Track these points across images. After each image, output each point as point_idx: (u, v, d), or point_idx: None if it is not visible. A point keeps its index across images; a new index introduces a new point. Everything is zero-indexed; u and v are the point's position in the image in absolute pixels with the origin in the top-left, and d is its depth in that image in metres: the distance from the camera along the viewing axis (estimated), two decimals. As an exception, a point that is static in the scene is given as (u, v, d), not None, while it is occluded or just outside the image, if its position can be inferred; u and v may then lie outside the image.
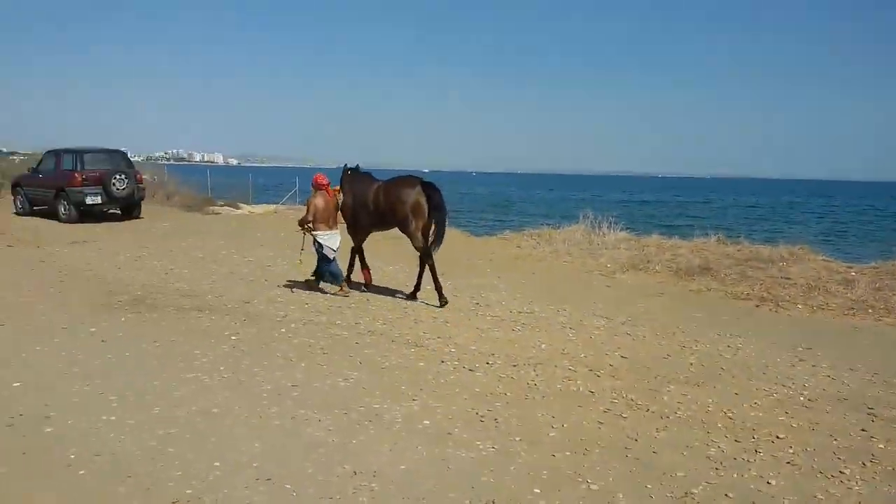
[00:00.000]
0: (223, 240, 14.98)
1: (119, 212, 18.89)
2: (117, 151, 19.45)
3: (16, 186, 20.06)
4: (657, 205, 64.80)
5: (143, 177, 19.65)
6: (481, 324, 8.17)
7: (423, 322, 8.18)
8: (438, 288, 9.26)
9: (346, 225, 10.18)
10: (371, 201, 9.62)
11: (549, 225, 17.30)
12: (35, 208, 19.47)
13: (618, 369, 6.56)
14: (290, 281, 10.33)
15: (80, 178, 17.46)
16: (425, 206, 9.30)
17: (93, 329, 7.27)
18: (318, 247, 9.58)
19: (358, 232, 10.19)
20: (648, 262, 12.70)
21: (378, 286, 10.18)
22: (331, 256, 9.57)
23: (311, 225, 9.52)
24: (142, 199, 18.97)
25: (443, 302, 9.19)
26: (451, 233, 17.68)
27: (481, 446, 4.76)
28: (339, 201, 9.93)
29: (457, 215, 31.98)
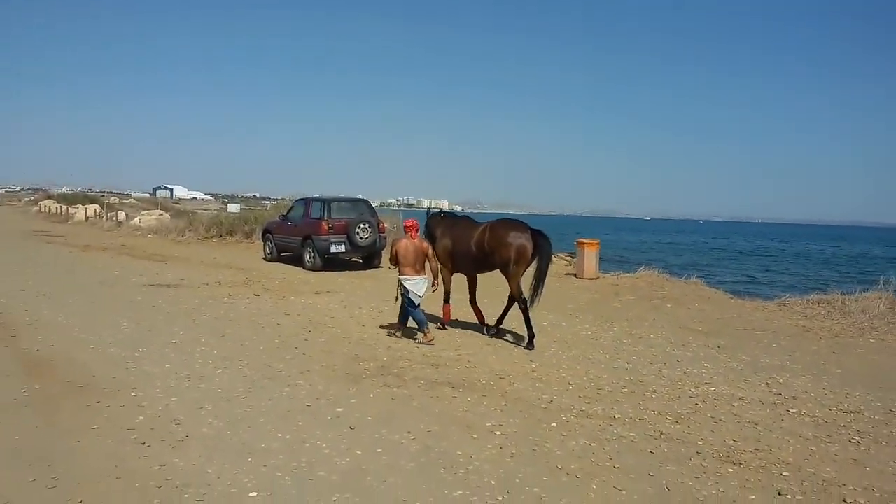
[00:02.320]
0: (457, 293, 14.07)
1: (360, 260, 18.88)
2: (362, 200, 19.56)
3: (266, 233, 20.82)
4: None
5: (385, 225, 19.51)
6: (803, 430, 6.23)
7: (723, 421, 6.40)
8: (531, 333, 9.42)
9: (441, 268, 10.16)
10: (475, 243, 9.75)
11: (819, 290, 14.78)
12: (282, 255, 20.03)
13: None
14: (528, 351, 9.00)
15: (326, 227, 17.58)
16: (530, 253, 9.41)
17: (339, 409, 6.32)
18: (404, 291, 9.43)
19: (454, 272, 10.39)
20: None
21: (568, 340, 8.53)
22: (416, 302, 9.41)
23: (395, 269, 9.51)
24: (382, 248, 18.79)
25: (530, 345, 9.28)
26: (709, 292, 15.76)
27: None
28: (426, 246, 9.57)
29: (709, 270, 29.56)
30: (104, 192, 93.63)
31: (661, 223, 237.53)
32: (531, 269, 9.70)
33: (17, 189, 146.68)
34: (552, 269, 19.60)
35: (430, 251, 9.64)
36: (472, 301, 10.70)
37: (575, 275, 17.56)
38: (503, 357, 8.71)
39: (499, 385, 7.31)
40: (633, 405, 6.83)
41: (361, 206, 18.84)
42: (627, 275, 17.70)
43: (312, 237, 17.75)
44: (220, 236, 26.36)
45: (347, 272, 17.69)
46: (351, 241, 17.66)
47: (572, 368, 8.24)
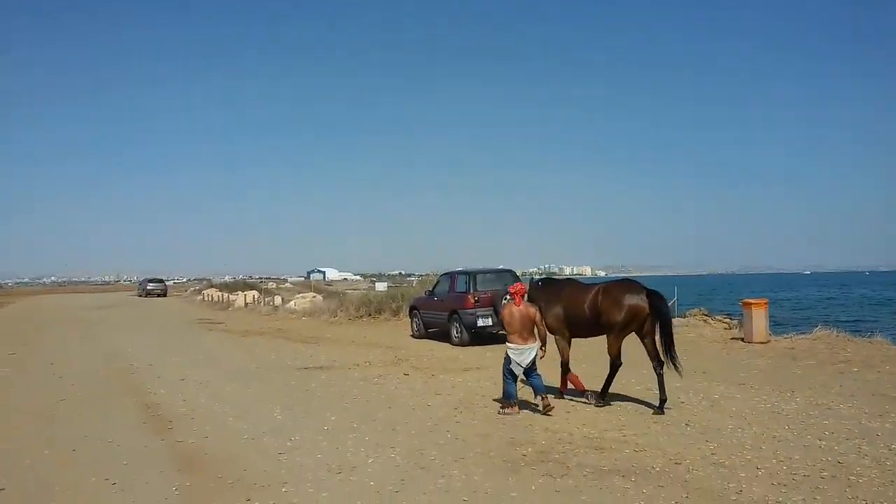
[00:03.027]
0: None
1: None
2: (507, 271, 19.21)
3: (413, 309, 20.82)
4: None
5: (531, 295, 18.97)
6: None
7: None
8: (663, 397, 9.21)
9: (557, 338, 10.02)
10: (588, 306, 9.59)
11: None
12: (429, 330, 19.89)
13: None
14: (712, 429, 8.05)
15: (472, 300, 17.31)
16: (645, 313, 9.29)
17: (500, 504, 5.76)
18: (507, 360, 9.16)
19: (566, 340, 10.14)
20: None
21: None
22: (516, 372, 9.13)
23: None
24: (531, 319, 18.24)
25: (660, 410, 9.09)
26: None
27: None
28: (533, 312, 9.19)
29: (880, 325, 26.52)
30: (262, 278, 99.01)
31: (822, 276, 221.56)
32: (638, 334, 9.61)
33: (184, 280, 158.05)
34: (717, 334, 18.39)
35: (539, 317, 9.25)
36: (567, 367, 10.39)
37: (742, 339, 16.20)
38: (675, 437, 7.85)
39: (676, 472, 6.48)
40: (839, 493, 5.82)
41: (507, 277, 18.44)
42: (802, 336, 16.14)
43: (459, 312, 17.50)
44: (370, 315, 26.75)
45: (495, 346, 17.19)
46: (498, 314, 17.23)
47: (757, 449, 7.27)
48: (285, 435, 8.21)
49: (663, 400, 9.21)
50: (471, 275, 18.10)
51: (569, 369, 10.33)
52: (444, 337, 18.63)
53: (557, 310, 9.88)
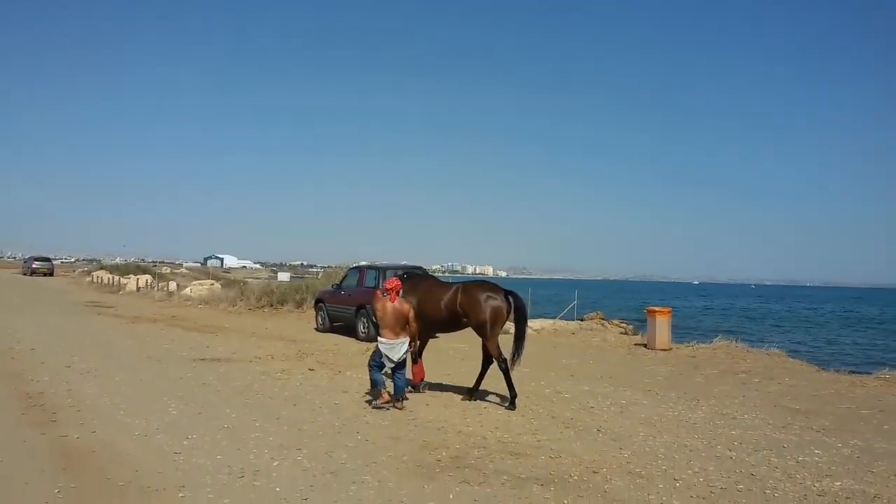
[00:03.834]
0: (525, 366, 13.17)
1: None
2: (417, 268, 18.90)
3: (319, 302, 20.24)
4: None
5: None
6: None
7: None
8: (512, 393, 9.49)
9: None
10: (446, 305, 9.81)
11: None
12: (335, 324, 19.39)
13: None
14: (646, 435, 8.02)
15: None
16: (506, 314, 9.57)
17: (412, 512, 5.43)
18: (376, 354, 9.27)
19: (424, 335, 10.48)
20: None
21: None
22: (387, 366, 9.22)
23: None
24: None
25: (512, 405, 9.37)
26: (795, 364, 14.55)
27: None
28: (406, 308, 9.33)
29: (766, 335, 27.85)
30: (156, 262, 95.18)
31: (711, 287, 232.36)
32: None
33: (73, 260, 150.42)
34: (620, 339, 18.70)
35: (412, 314, 9.38)
36: (416, 360, 10.57)
37: (646, 345, 16.50)
38: (589, 444, 7.73)
39: (594, 481, 6.32)
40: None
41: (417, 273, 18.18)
42: (703, 345, 16.59)
43: (367, 306, 17.09)
44: (272, 306, 25.90)
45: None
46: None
47: (670, 458, 7.24)
48: (181, 433, 7.59)
49: (514, 396, 9.50)
50: (381, 270, 17.72)
51: (416, 361, 10.52)
52: (349, 331, 18.17)
53: (412, 302, 9.87)
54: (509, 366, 9.55)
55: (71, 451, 6.79)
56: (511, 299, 9.66)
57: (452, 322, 9.94)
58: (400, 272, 17.84)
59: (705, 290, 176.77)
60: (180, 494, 5.57)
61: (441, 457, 6.97)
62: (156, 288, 36.99)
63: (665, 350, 15.92)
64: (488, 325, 9.48)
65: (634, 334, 28.75)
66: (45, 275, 61.06)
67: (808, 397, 11.10)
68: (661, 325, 16.15)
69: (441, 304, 9.86)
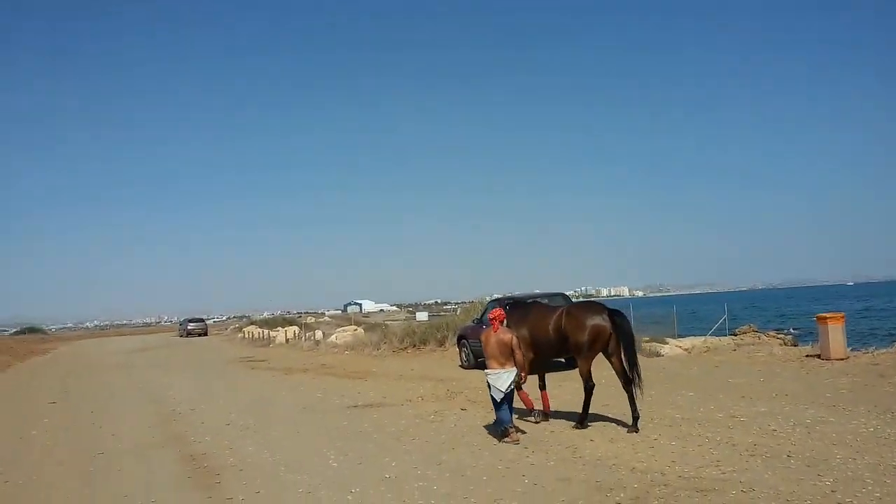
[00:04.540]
0: (690, 389, 12.30)
1: (563, 361, 17.37)
2: (559, 294, 18.35)
3: (462, 339, 20.00)
4: None
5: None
6: None
7: None
8: (635, 414, 9.34)
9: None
10: (553, 328, 9.81)
11: None
12: (479, 360, 19.05)
13: None
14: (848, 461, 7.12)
15: (524, 328, 16.44)
16: (608, 333, 9.48)
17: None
18: (488, 387, 9.19)
19: (535, 363, 10.35)
20: None
21: None
22: (497, 398, 9.06)
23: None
24: (586, 345, 17.31)
25: (634, 427, 9.23)
26: None
27: None
28: (509, 338, 9.17)
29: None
30: (300, 312, 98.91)
31: (867, 287, 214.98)
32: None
33: (224, 318, 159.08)
34: (788, 352, 17.31)
35: (515, 342, 9.19)
36: (543, 387, 10.76)
37: (819, 356, 15.10)
38: (781, 472, 6.92)
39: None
40: None
41: (559, 301, 17.57)
42: (883, 350, 15.01)
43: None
44: (414, 346, 25.98)
45: (552, 375, 16.31)
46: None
47: (881, 483, 6.36)
48: (345, 486, 7.41)
49: (636, 417, 9.35)
50: (520, 301, 17.25)
51: (544, 387, 10.73)
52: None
53: (524, 332, 10.02)
54: (632, 385, 9.45)
55: (238, 515, 6.72)
56: (615, 319, 9.56)
57: (562, 345, 9.91)
58: (543, 300, 17.37)
59: (860, 290, 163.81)
60: (351, 556, 5.29)
61: (620, 498, 6.40)
62: (303, 338, 38.12)
63: (842, 359, 14.48)
64: (586, 345, 9.52)
65: (794, 345, 26.72)
66: (199, 335, 63.46)
67: None
68: (835, 332, 14.73)
69: (549, 329, 9.88)
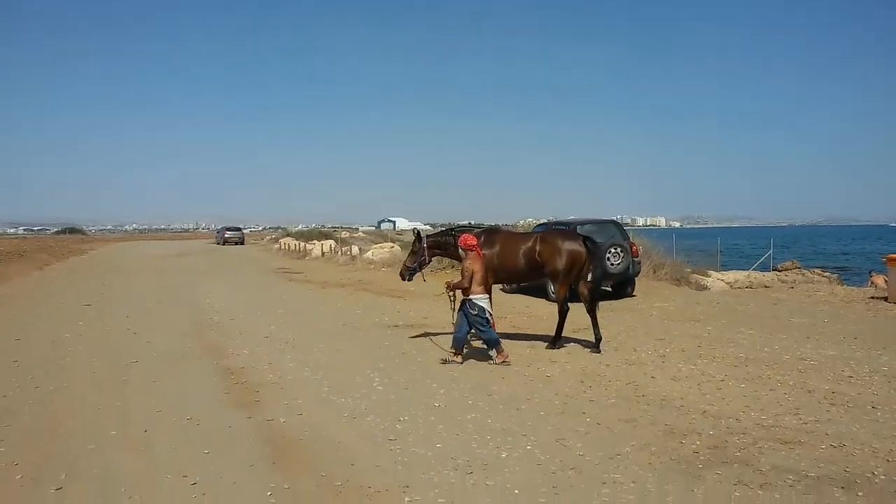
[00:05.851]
0: (750, 326, 11.61)
1: (610, 289, 16.66)
2: (611, 222, 17.53)
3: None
4: None
5: (638, 248, 17.21)
6: None
7: None
8: (598, 335, 9.91)
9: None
10: (524, 254, 10.00)
11: None
12: (521, 285, 18.46)
13: None
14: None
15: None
16: (584, 259, 9.82)
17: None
18: (479, 311, 9.06)
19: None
20: None
21: None
22: (491, 320, 9.17)
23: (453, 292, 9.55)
24: (636, 274, 16.58)
25: (597, 348, 9.80)
26: None
27: None
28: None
29: None
30: (336, 227, 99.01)
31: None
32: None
33: (261, 229, 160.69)
34: (851, 293, 16.45)
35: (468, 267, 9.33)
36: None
37: (886, 298, 14.26)
38: (870, 426, 6.28)
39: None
40: None
41: (611, 229, 16.78)
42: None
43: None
44: (452, 267, 25.45)
45: (604, 304, 15.67)
46: (602, 269, 15.65)
47: None
48: (392, 413, 6.92)
49: (598, 338, 9.89)
50: (571, 227, 16.49)
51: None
52: (540, 293, 17.08)
53: (494, 257, 10.08)
54: (595, 306, 9.95)
55: (278, 439, 6.24)
56: (589, 245, 9.88)
57: (531, 272, 10.21)
58: (594, 227, 16.60)
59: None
60: (406, 498, 4.79)
61: (697, 447, 5.81)
62: (339, 253, 37.87)
63: (910, 303, 13.64)
64: (562, 272, 9.80)
65: (840, 284, 25.75)
66: (236, 243, 64.14)
67: None
68: (906, 274, 13.85)
69: (519, 254, 10.05)
